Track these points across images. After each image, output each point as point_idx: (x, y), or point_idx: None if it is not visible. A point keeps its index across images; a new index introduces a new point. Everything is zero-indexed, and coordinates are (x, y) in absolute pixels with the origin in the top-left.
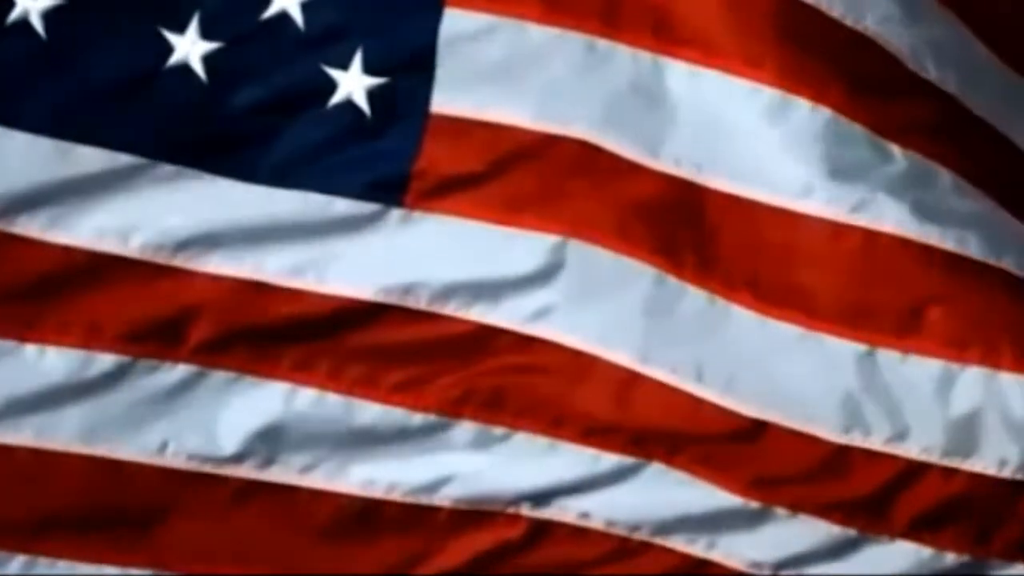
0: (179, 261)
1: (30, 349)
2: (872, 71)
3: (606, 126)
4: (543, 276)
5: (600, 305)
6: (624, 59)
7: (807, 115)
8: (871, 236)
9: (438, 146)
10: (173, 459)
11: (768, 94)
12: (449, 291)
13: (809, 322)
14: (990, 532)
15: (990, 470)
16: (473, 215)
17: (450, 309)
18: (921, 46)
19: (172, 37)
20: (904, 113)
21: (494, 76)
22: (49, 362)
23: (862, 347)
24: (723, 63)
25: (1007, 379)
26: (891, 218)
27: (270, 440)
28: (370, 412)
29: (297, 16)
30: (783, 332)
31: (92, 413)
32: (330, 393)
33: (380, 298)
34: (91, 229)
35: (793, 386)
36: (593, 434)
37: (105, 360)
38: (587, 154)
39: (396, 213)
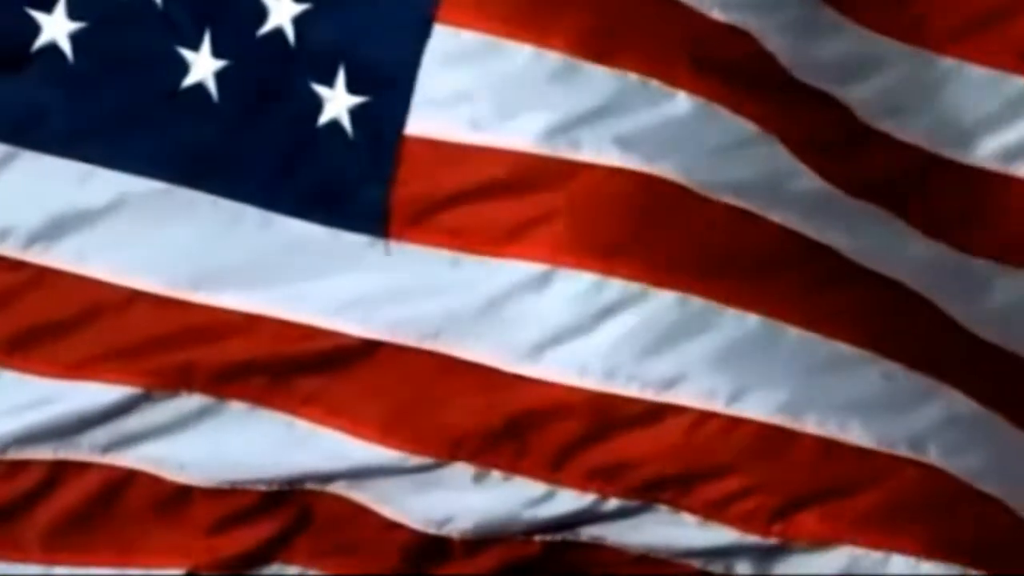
0: (182, 294)
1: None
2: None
3: (600, 145)
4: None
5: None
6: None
7: None
8: None
9: (416, 170)
10: None
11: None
12: (438, 327)
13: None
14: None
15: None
16: (452, 245)
17: (440, 346)
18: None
19: (188, 55)
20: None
21: (481, 96)
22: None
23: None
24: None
25: None
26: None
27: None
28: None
29: (290, 32)
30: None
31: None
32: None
33: (374, 336)
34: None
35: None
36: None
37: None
38: (576, 172)
39: (380, 244)
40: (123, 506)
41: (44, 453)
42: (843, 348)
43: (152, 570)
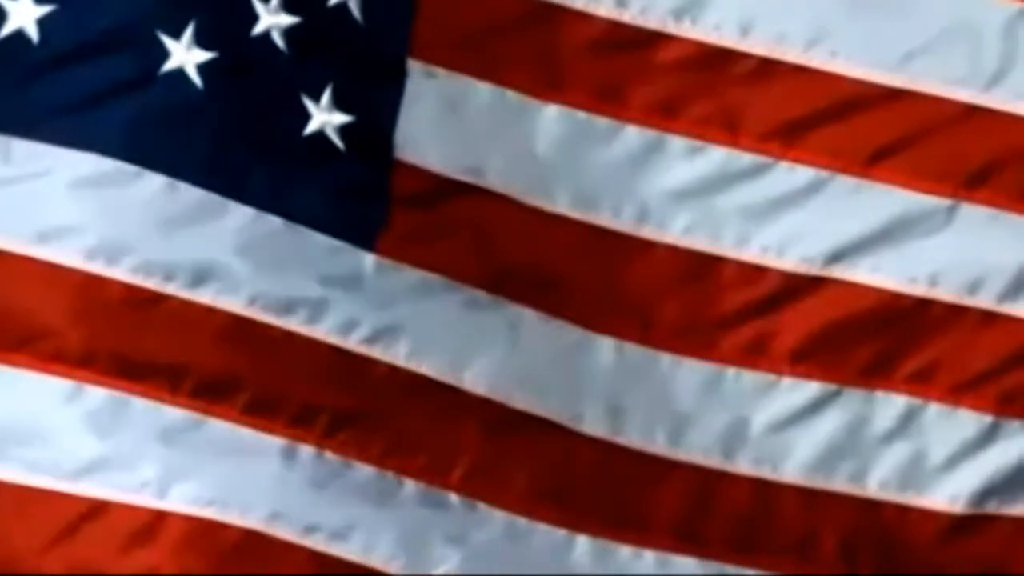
0: (172, 289)
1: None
2: None
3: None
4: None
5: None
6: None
7: None
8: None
9: (406, 194)
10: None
11: None
12: (423, 348)
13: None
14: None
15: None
16: (441, 269)
17: (424, 367)
18: None
19: (169, 42)
20: None
21: (454, 129)
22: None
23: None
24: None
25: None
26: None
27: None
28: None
29: (279, 40)
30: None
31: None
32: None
33: (363, 349)
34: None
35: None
36: None
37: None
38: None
39: (369, 259)
40: None
41: None
42: None
43: None
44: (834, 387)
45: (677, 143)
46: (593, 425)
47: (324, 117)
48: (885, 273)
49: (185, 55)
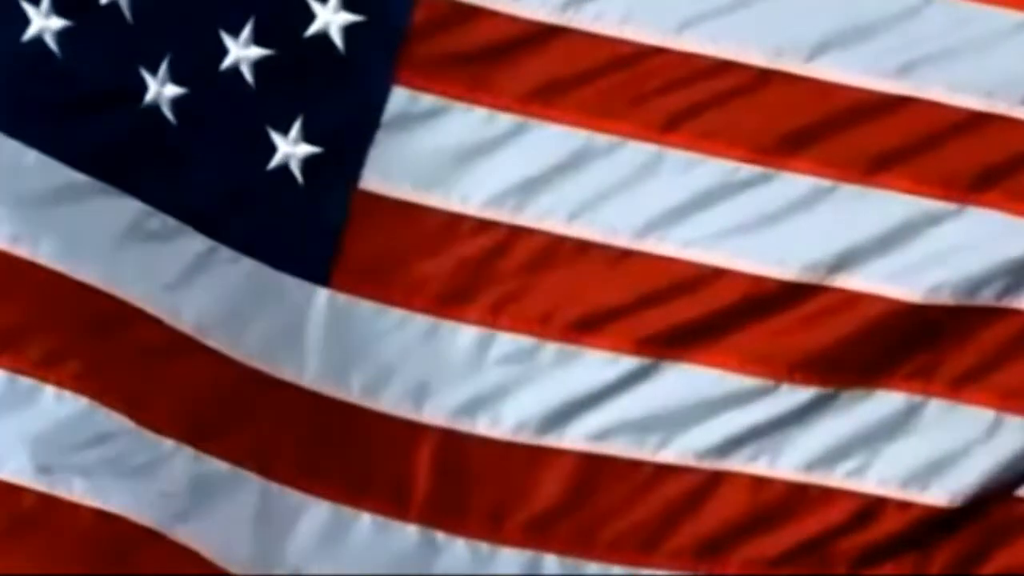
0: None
1: (49, 390)
2: None
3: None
4: (473, 368)
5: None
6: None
7: None
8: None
9: (365, 227)
10: None
11: None
12: (381, 381)
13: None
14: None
15: (941, 502)
16: (399, 303)
17: (384, 402)
18: None
19: (147, 77)
20: None
21: (435, 159)
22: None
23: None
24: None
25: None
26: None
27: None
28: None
29: (248, 73)
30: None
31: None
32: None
33: (316, 386)
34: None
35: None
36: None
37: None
38: (517, 240)
39: (323, 293)
40: None
41: None
42: None
43: None
44: (831, 390)
45: (677, 156)
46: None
47: (289, 150)
48: (888, 279)
49: (159, 89)
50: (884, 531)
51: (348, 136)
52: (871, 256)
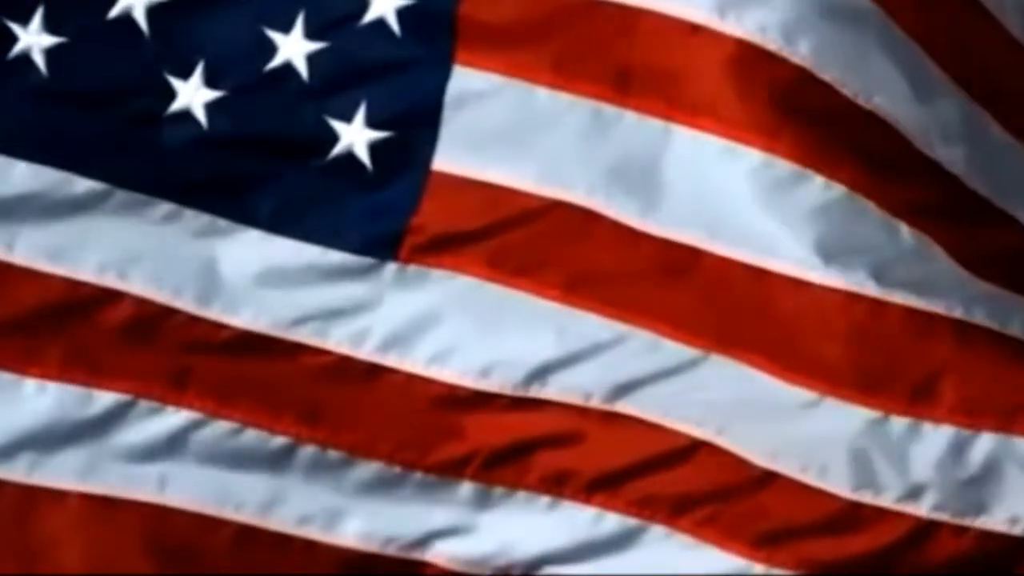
0: (180, 303)
1: (30, 383)
2: (882, 150)
3: (609, 191)
4: (539, 338)
5: (598, 363)
6: (630, 125)
7: (820, 189)
8: (879, 306)
9: (437, 203)
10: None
11: (782, 166)
12: (447, 351)
13: (823, 387)
14: None
15: (1000, 527)
16: (469, 273)
17: (447, 371)
18: (930, 126)
19: (176, 83)
20: (911, 193)
21: (499, 137)
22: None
23: (875, 413)
24: (735, 134)
25: (1021, 443)
26: (898, 291)
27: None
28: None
29: (302, 67)
30: (798, 396)
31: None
32: (331, 449)
33: (376, 358)
34: (93, 263)
35: (804, 441)
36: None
37: (105, 398)
38: (588, 219)
39: (391, 267)
40: None
41: None
42: None
43: None
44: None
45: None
46: None
47: (354, 137)
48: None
49: (193, 95)
50: None
51: (415, 118)
52: None
